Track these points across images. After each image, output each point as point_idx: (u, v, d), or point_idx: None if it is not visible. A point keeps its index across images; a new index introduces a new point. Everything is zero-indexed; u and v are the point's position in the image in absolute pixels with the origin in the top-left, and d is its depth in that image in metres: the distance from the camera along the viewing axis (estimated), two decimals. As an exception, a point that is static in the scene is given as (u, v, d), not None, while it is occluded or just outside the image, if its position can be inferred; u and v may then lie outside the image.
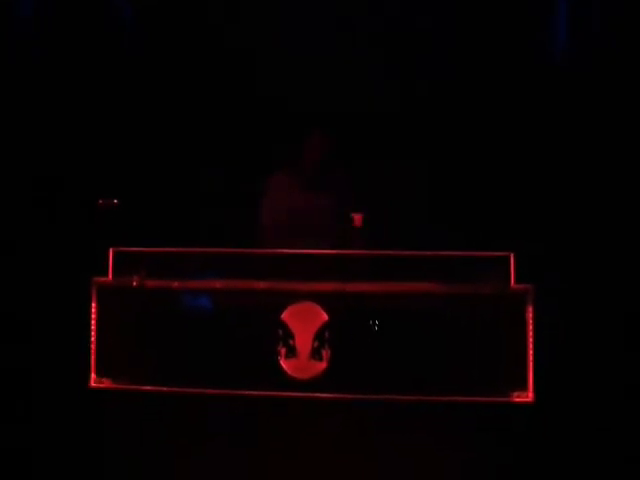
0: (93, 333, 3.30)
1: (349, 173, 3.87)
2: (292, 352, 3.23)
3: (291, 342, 3.23)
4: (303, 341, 3.23)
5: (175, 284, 3.32)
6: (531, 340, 3.07)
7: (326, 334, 3.22)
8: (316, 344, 3.22)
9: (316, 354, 3.22)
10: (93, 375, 3.30)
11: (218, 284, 3.31)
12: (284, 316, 3.25)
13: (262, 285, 3.27)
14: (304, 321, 3.23)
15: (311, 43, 4.29)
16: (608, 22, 4.02)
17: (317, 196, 3.78)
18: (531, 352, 3.07)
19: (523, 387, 3.09)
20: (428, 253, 3.22)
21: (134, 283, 3.31)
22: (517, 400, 3.09)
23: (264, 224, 3.82)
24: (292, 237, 3.66)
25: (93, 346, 3.29)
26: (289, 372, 3.22)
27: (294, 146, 3.84)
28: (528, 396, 3.09)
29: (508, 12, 4.16)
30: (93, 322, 3.30)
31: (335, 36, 4.32)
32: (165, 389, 3.25)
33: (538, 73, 4.10)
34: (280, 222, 3.76)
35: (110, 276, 3.31)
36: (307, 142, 3.84)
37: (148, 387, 3.27)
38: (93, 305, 3.30)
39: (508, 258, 3.12)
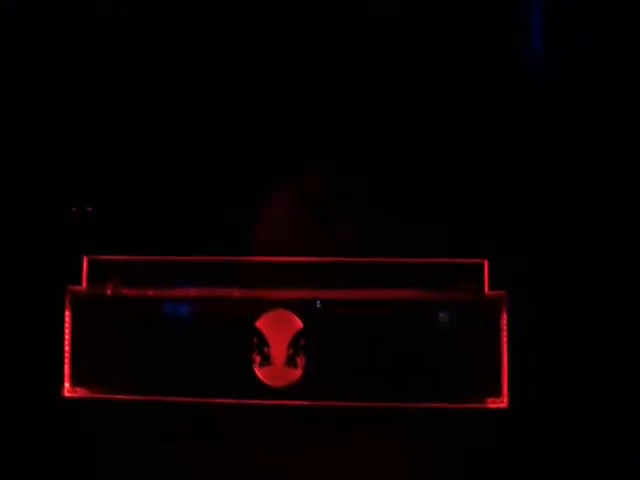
0: (67, 342, 3.28)
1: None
2: (267, 360, 3.22)
3: (266, 350, 3.22)
4: (278, 349, 3.22)
5: (150, 292, 3.31)
6: (505, 346, 3.07)
7: (301, 341, 3.22)
8: (291, 352, 3.22)
9: (291, 362, 3.21)
10: (67, 384, 3.28)
11: (193, 292, 3.31)
12: (259, 324, 3.24)
13: (237, 293, 3.27)
14: (279, 329, 3.23)
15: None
16: (583, 29, 4.04)
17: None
18: (505, 358, 3.07)
19: (498, 393, 3.09)
20: (402, 260, 3.23)
21: (109, 291, 3.30)
22: (492, 406, 3.10)
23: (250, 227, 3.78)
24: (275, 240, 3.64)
25: (67, 355, 3.28)
26: (264, 380, 3.21)
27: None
28: (503, 402, 3.09)
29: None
30: (67, 331, 3.29)
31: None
32: (140, 398, 3.24)
33: (512, 80, 4.11)
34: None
35: (84, 284, 3.30)
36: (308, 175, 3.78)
37: (123, 396, 3.26)
38: (67, 314, 3.29)
39: (482, 265, 3.13)
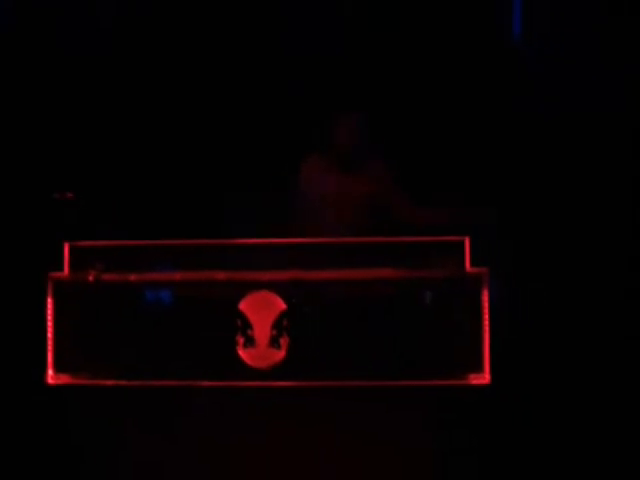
0: (50, 329, 3.27)
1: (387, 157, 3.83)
2: (250, 342, 3.23)
3: (249, 332, 3.23)
4: (261, 330, 3.23)
5: (132, 277, 3.31)
6: (487, 323, 3.10)
7: (284, 322, 3.23)
8: (274, 333, 3.23)
9: (275, 343, 3.23)
10: (50, 371, 3.27)
11: (176, 276, 3.30)
12: (242, 306, 3.25)
13: (220, 276, 3.27)
14: (262, 310, 3.24)
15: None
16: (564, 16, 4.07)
17: (352, 180, 3.75)
18: (487, 335, 3.10)
19: (479, 369, 3.12)
20: (384, 239, 3.25)
21: (91, 277, 3.29)
22: (474, 382, 3.13)
23: (296, 209, 3.78)
24: (323, 223, 3.64)
25: (50, 342, 3.27)
26: (248, 362, 3.22)
27: (326, 128, 3.79)
28: (485, 378, 3.12)
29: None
30: (49, 317, 3.28)
31: None
32: (125, 383, 3.23)
33: (495, 64, 4.15)
34: (312, 207, 3.74)
35: (66, 271, 3.29)
36: (340, 125, 3.76)
37: (108, 382, 3.25)
38: (49, 300, 3.27)
39: (463, 242, 3.15)
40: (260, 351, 3.22)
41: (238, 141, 4.23)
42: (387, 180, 3.77)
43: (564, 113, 3.90)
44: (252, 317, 3.24)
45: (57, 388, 3.25)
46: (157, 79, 4.28)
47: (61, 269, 3.28)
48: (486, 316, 3.10)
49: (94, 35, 4.26)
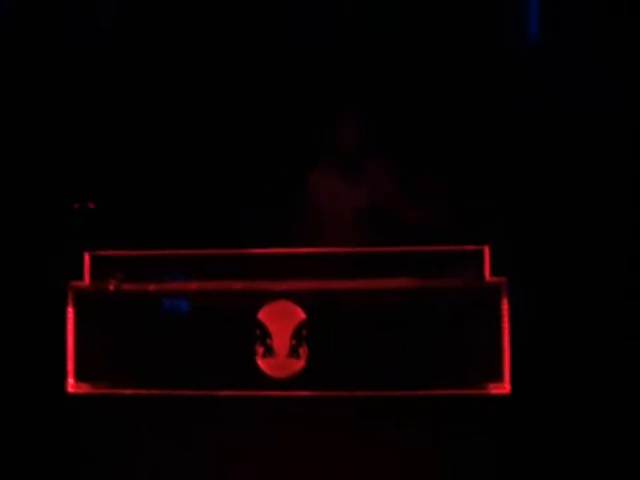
0: (70, 338, 3.29)
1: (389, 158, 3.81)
2: (270, 351, 3.23)
3: (268, 341, 3.23)
4: (280, 340, 3.23)
5: (152, 287, 3.32)
6: (506, 332, 3.09)
7: (303, 332, 3.23)
8: (294, 343, 3.23)
9: (294, 353, 3.23)
10: (71, 380, 3.29)
11: (194, 286, 3.32)
12: (261, 315, 3.25)
13: (238, 285, 3.28)
14: (281, 320, 3.24)
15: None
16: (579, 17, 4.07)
17: (354, 184, 3.75)
18: (507, 344, 3.09)
19: (499, 379, 3.11)
20: (403, 249, 3.25)
21: (111, 287, 3.31)
22: (494, 392, 3.11)
23: (305, 214, 3.78)
24: (330, 228, 3.64)
25: (70, 351, 3.29)
26: (267, 371, 3.22)
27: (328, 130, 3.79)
28: (505, 388, 3.11)
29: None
30: (70, 327, 3.30)
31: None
32: (144, 392, 3.25)
33: (507, 66, 4.14)
34: (319, 212, 3.74)
35: (87, 280, 3.31)
36: (339, 125, 3.77)
37: (127, 391, 3.27)
38: (70, 310, 3.30)
39: (482, 251, 3.15)
40: (279, 361, 3.22)
41: (248, 148, 4.22)
42: (390, 182, 3.75)
43: (565, 113, 3.90)
44: (271, 327, 3.24)
45: (77, 397, 3.27)
46: (167, 82, 4.30)
47: (82, 279, 3.30)
48: (506, 325, 3.09)
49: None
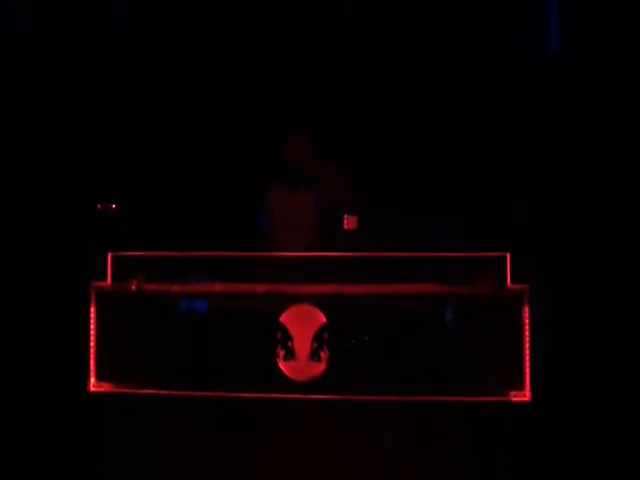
0: (92, 337, 3.31)
1: (345, 172, 3.85)
2: (291, 354, 3.25)
3: (290, 344, 3.25)
4: (302, 343, 3.25)
5: (174, 288, 3.34)
6: (527, 340, 3.09)
7: (324, 336, 3.24)
8: (315, 346, 3.24)
9: (315, 356, 3.24)
10: (93, 379, 3.31)
11: (216, 288, 3.33)
12: (283, 319, 3.27)
13: (260, 288, 3.29)
14: (302, 323, 3.26)
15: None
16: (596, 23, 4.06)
17: (303, 196, 3.76)
18: (528, 352, 3.09)
19: (520, 387, 3.11)
20: (425, 254, 3.25)
21: (133, 287, 3.32)
22: (515, 400, 3.12)
23: (262, 227, 3.82)
24: (284, 239, 3.66)
25: (92, 350, 3.31)
26: (288, 374, 3.24)
27: (280, 147, 3.83)
28: (525, 395, 3.11)
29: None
30: (92, 326, 3.32)
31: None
32: (165, 392, 3.26)
33: (526, 74, 4.13)
34: (273, 224, 3.76)
35: (109, 281, 3.33)
36: (289, 142, 3.81)
37: (148, 391, 3.28)
38: (92, 310, 3.31)
39: (504, 258, 3.15)
40: (300, 364, 3.24)
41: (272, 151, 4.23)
42: (339, 192, 3.77)
43: (588, 123, 3.89)
44: (293, 330, 3.26)
45: (98, 396, 3.29)
46: (182, 89, 4.31)
47: (104, 279, 3.32)
48: (527, 333, 3.09)
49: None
